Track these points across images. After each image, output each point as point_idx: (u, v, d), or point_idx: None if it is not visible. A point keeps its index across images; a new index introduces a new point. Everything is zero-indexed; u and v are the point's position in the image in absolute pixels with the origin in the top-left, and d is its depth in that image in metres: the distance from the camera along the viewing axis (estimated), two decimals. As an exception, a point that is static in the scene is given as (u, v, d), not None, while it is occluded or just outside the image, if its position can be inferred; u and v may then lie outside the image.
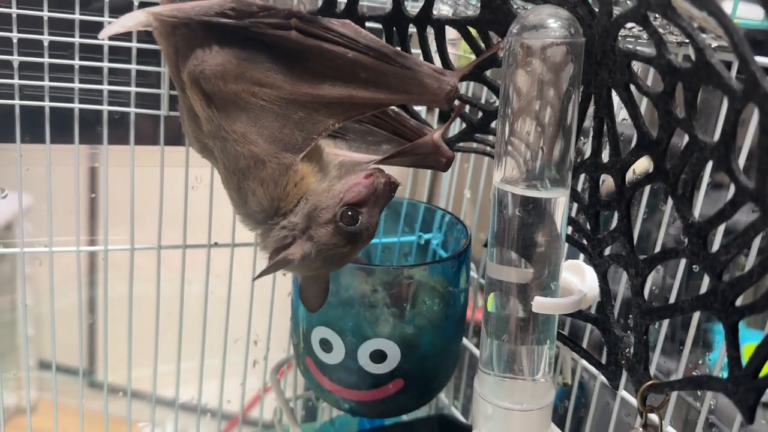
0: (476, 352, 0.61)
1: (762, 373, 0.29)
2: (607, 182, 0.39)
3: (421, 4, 0.44)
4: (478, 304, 0.66)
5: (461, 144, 0.51)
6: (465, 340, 0.64)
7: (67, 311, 0.58)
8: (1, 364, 0.56)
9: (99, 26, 0.51)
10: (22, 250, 0.55)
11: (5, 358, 0.57)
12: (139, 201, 0.56)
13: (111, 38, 0.51)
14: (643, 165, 0.37)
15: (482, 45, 0.43)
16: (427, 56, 0.46)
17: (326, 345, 0.47)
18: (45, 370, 0.69)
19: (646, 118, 0.35)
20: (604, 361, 0.41)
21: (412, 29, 0.45)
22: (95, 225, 0.63)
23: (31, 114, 0.51)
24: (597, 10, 0.35)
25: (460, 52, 0.66)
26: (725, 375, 0.30)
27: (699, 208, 0.40)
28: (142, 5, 0.51)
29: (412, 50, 0.45)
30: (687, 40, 0.29)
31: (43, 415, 0.63)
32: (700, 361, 0.66)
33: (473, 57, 0.44)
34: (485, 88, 0.55)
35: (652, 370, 0.42)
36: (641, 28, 0.33)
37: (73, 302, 0.58)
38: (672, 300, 0.42)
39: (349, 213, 0.38)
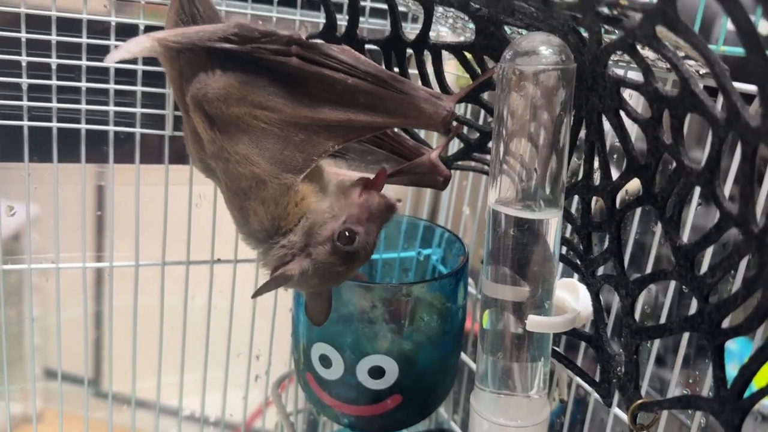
0: (475, 367, 0.62)
1: (761, 384, 0.29)
2: (600, 202, 0.40)
3: (420, 26, 0.45)
4: (477, 319, 0.66)
5: (459, 162, 0.52)
6: (464, 355, 0.64)
7: (74, 323, 0.59)
8: (8, 374, 0.57)
9: (106, 49, 0.52)
10: (29, 266, 0.56)
11: (12, 368, 0.58)
12: (144, 218, 0.57)
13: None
14: (635, 185, 0.38)
15: (478, 69, 0.44)
16: (425, 79, 0.47)
17: (325, 361, 0.48)
18: (51, 379, 0.69)
19: (637, 138, 0.36)
20: (598, 378, 0.42)
21: (410, 51, 0.46)
22: (102, 241, 0.64)
23: (40, 134, 0.52)
24: (587, 37, 0.36)
25: (459, 72, 0.67)
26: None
27: (690, 223, 0.41)
28: (147, 29, 0.52)
29: (411, 71, 0.46)
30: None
31: (48, 424, 0.64)
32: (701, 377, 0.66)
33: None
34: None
35: (645, 387, 0.43)
36: (630, 56, 0.34)
37: (80, 314, 0.59)
38: (663, 319, 0.43)
39: (346, 233, 0.39)
